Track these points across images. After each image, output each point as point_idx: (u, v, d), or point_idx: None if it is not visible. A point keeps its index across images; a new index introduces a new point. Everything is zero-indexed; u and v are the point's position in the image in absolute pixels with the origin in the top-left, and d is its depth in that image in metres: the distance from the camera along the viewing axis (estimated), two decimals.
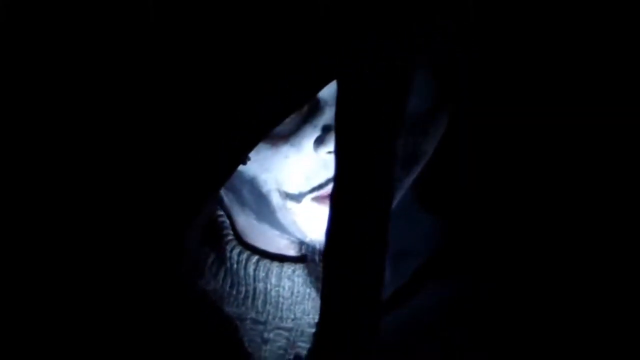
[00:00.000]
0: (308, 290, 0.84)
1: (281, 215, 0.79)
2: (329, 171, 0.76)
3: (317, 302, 0.84)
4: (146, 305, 0.85)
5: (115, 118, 0.80)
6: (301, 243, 0.82)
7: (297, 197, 0.77)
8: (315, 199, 0.77)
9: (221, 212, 0.88)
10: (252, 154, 0.74)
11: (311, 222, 0.78)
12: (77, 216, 0.85)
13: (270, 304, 0.85)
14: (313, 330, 0.85)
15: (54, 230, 0.86)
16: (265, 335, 0.85)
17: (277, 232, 0.82)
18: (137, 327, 0.84)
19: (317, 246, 0.79)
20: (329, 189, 0.76)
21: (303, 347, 0.85)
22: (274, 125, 0.71)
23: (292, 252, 0.84)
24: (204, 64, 0.73)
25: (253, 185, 0.78)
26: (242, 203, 0.82)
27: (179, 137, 0.74)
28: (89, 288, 0.84)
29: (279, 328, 0.85)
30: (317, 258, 0.80)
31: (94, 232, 0.85)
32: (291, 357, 0.85)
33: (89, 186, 0.85)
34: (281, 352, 0.85)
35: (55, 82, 0.84)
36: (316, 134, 0.76)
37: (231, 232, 0.87)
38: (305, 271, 0.84)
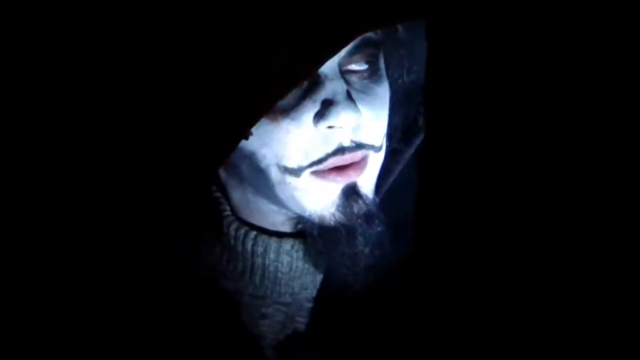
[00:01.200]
0: (307, 265, 0.84)
1: (280, 190, 0.78)
2: (329, 146, 0.75)
3: (316, 277, 0.84)
4: (143, 280, 0.84)
5: (117, 95, 0.79)
6: (299, 218, 0.81)
7: (296, 172, 0.76)
8: (314, 173, 0.77)
9: (215, 188, 0.87)
10: (252, 129, 0.73)
11: (310, 197, 0.78)
12: (77, 193, 0.85)
13: (269, 279, 0.84)
14: (311, 305, 0.85)
15: (53, 205, 0.85)
16: (264, 310, 0.85)
17: (274, 208, 0.82)
18: (134, 303, 0.83)
19: (316, 220, 0.78)
20: (328, 163, 0.76)
21: (301, 321, 0.85)
22: (277, 98, 0.70)
23: (288, 228, 0.84)
24: (206, 37, 0.73)
25: (252, 160, 0.77)
26: (240, 178, 0.81)
27: (181, 113, 0.73)
28: (87, 264, 0.84)
29: (277, 303, 0.85)
30: (315, 232, 0.79)
31: (94, 209, 0.85)
32: (289, 331, 0.85)
33: (90, 164, 0.84)
34: (279, 326, 0.85)
35: (55, 82, 0.83)
36: (316, 108, 0.75)
37: (228, 207, 0.86)
38: (304, 246, 0.83)
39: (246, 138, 0.74)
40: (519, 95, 0.90)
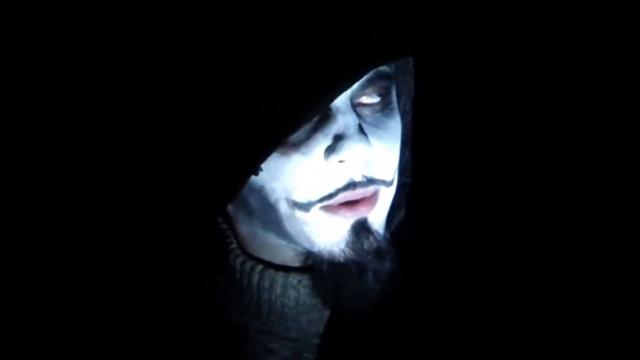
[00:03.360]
0: (314, 300, 0.82)
1: (289, 225, 0.76)
2: (339, 180, 0.74)
3: (323, 313, 0.82)
4: (149, 314, 0.83)
5: (128, 130, 0.79)
6: (308, 253, 0.79)
7: (306, 206, 0.75)
8: (324, 208, 0.75)
9: (222, 220, 0.85)
10: (262, 164, 0.72)
11: (319, 232, 0.76)
12: (84, 227, 0.84)
13: (275, 314, 0.82)
14: (318, 341, 0.83)
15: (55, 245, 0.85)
16: (269, 345, 0.83)
17: (283, 242, 0.80)
18: (141, 336, 0.82)
19: (326, 256, 0.76)
20: (338, 198, 0.74)
21: (309, 358, 0.83)
22: (289, 134, 0.69)
23: (296, 262, 0.82)
24: (218, 72, 0.72)
25: (261, 194, 0.75)
26: (248, 212, 0.80)
27: (191, 148, 0.72)
28: (97, 297, 0.83)
29: (283, 338, 0.83)
30: (325, 268, 0.77)
31: (102, 239, 0.84)
32: None
33: (97, 195, 0.84)
34: None
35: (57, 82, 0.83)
36: (327, 142, 0.73)
37: (234, 241, 0.84)
38: (312, 282, 0.81)
39: (256, 174, 0.72)
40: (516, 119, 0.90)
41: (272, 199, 0.75)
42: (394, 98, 0.78)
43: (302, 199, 0.74)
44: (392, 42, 0.72)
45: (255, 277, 0.82)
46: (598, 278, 0.89)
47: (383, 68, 0.75)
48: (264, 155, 0.69)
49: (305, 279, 0.82)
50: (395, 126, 0.78)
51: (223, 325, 0.84)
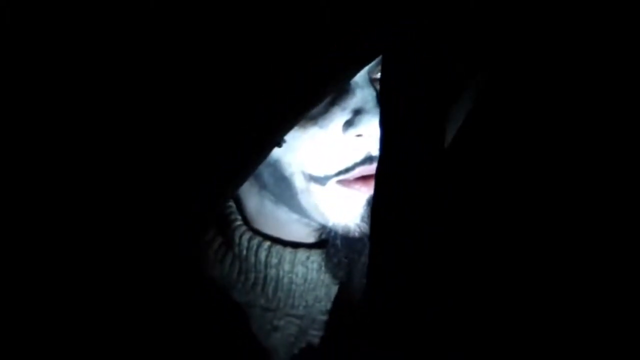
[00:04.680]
0: (322, 277, 0.82)
1: (303, 199, 0.76)
2: (357, 155, 0.73)
3: (330, 289, 0.82)
4: (151, 292, 0.82)
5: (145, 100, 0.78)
6: (320, 229, 0.79)
7: (322, 180, 0.75)
8: (341, 182, 0.75)
9: None
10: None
11: (335, 206, 0.76)
12: (84, 200, 0.83)
13: (282, 290, 0.82)
14: (325, 318, 0.83)
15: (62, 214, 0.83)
16: (275, 322, 0.83)
17: (294, 217, 0.80)
18: (142, 315, 0.81)
19: (341, 231, 0.76)
20: (355, 172, 0.74)
21: (315, 335, 0.83)
22: (310, 108, 0.69)
23: (305, 238, 0.82)
24: (238, 45, 0.71)
25: (276, 167, 0.75)
26: (260, 186, 0.79)
27: (213, 121, 0.72)
28: (94, 274, 0.82)
29: (289, 315, 0.83)
30: (339, 243, 0.77)
31: (105, 215, 0.83)
32: (303, 345, 0.82)
33: (103, 170, 0.83)
34: (292, 340, 0.82)
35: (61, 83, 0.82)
36: (346, 116, 0.73)
37: (239, 217, 0.83)
38: (321, 257, 0.81)
39: (279, 146, 0.72)
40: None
41: (287, 172, 0.75)
42: None
43: (318, 172, 0.74)
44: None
45: (263, 254, 0.82)
46: (598, 277, 0.89)
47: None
48: (285, 128, 0.69)
49: (313, 255, 0.81)
50: None
51: (226, 304, 0.84)
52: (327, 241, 0.82)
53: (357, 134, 0.72)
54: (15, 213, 0.84)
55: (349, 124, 0.73)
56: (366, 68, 0.73)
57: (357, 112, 0.72)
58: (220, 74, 0.73)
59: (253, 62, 0.70)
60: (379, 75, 0.75)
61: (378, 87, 0.75)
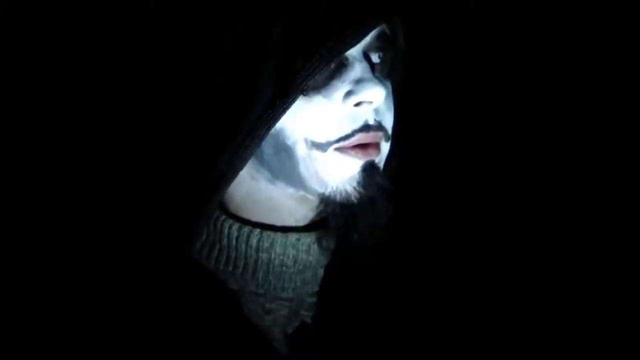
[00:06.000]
0: (310, 258, 0.86)
1: (304, 166, 0.81)
2: (355, 123, 0.80)
3: (317, 271, 0.88)
4: (144, 281, 0.84)
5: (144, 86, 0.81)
6: (315, 202, 0.83)
7: (323, 146, 0.80)
8: (339, 149, 0.80)
9: None
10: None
11: (333, 172, 0.81)
12: (84, 196, 0.85)
13: (273, 274, 0.85)
14: (313, 299, 0.87)
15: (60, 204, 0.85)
16: (267, 305, 0.85)
17: (291, 191, 0.84)
18: (137, 306, 0.83)
19: (339, 197, 0.81)
20: (353, 139, 0.80)
21: (306, 315, 0.86)
22: (306, 81, 0.75)
23: (296, 218, 0.86)
24: (238, 17, 0.77)
25: (278, 137, 0.80)
26: (256, 164, 0.83)
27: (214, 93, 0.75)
28: (90, 272, 0.84)
29: (279, 299, 0.86)
30: (337, 209, 0.81)
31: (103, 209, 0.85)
32: (297, 324, 0.85)
33: (104, 163, 0.85)
34: (285, 320, 0.85)
35: (59, 82, 0.84)
36: (346, 87, 0.80)
37: (222, 211, 0.87)
38: (310, 239, 0.85)
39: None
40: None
41: (290, 141, 0.80)
42: (390, 64, 0.86)
43: (320, 139, 0.80)
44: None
45: (254, 239, 0.85)
46: (596, 276, 0.92)
47: (386, 31, 0.83)
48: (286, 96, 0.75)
49: (303, 238, 0.86)
50: (390, 88, 0.85)
51: (217, 294, 0.86)
52: (317, 223, 0.87)
53: (357, 101, 0.79)
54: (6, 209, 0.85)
55: (350, 93, 0.79)
56: (361, 45, 0.81)
57: (357, 82, 0.79)
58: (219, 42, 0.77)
59: (253, 35, 0.76)
60: (371, 54, 0.83)
61: (372, 61, 0.82)
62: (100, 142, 0.89)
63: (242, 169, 0.81)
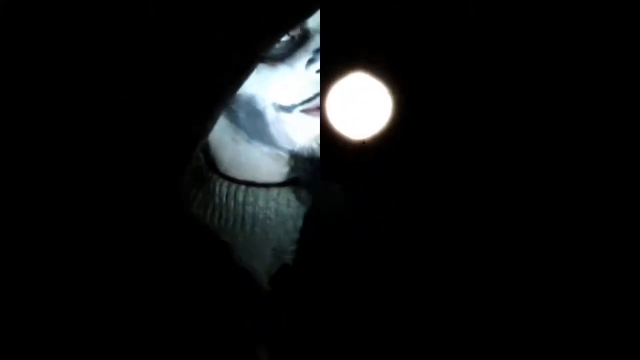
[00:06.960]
0: (290, 210, 0.99)
1: (274, 128, 0.94)
2: (317, 87, 0.91)
3: (297, 222, 1.00)
4: (140, 238, 0.92)
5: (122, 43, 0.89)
6: (289, 161, 0.96)
7: (289, 109, 0.92)
8: (304, 111, 0.93)
9: (200, 156, 1.01)
10: (254, 75, 0.89)
11: (300, 131, 0.93)
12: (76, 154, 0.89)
13: (258, 226, 0.98)
14: (295, 247, 0.99)
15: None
16: (254, 252, 0.98)
17: (266, 150, 0.97)
18: (133, 262, 0.91)
19: (306, 154, 0.94)
20: (315, 102, 0.92)
21: (288, 259, 0.98)
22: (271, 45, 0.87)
23: (276, 176, 0.98)
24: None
25: (250, 104, 0.93)
26: (235, 128, 0.97)
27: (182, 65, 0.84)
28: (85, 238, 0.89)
29: (265, 247, 0.98)
30: (309, 168, 0.94)
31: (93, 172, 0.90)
32: (280, 266, 0.98)
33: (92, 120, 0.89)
34: (270, 261, 0.98)
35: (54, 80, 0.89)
36: (308, 56, 0.91)
37: (214, 174, 1.00)
38: (289, 194, 0.98)
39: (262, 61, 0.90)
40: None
41: (261, 107, 0.93)
42: None
43: (286, 102, 0.93)
44: None
45: (241, 195, 0.98)
46: (596, 276, 0.93)
47: None
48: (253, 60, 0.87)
49: (283, 193, 0.99)
50: None
51: (209, 244, 0.98)
52: (294, 180, 0.99)
53: (317, 70, 0.91)
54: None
55: (311, 62, 0.92)
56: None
57: (317, 52, 0.92)
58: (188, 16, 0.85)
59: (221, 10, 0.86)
60: None
61: None
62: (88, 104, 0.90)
63: (212, 128, 0.91)
